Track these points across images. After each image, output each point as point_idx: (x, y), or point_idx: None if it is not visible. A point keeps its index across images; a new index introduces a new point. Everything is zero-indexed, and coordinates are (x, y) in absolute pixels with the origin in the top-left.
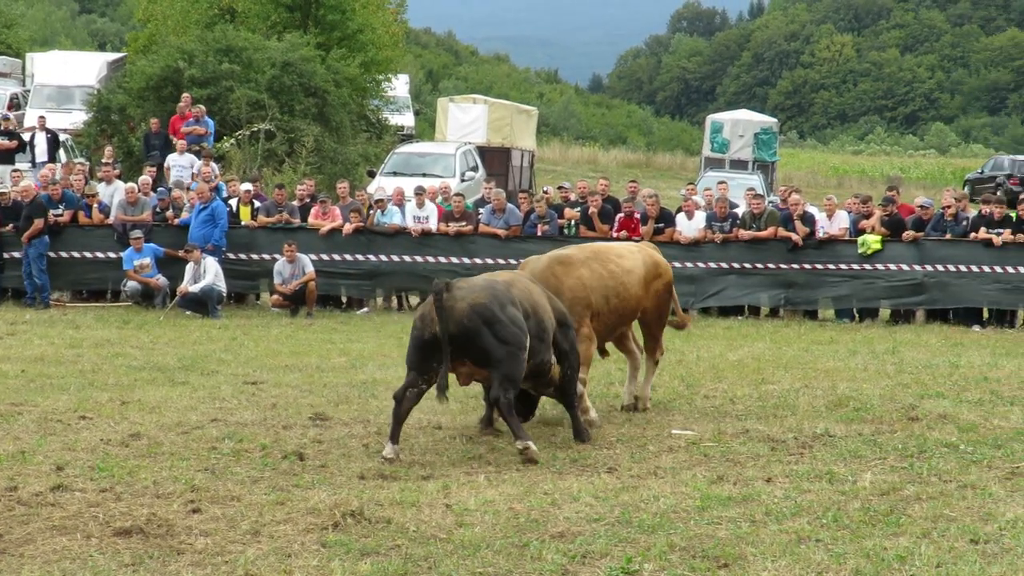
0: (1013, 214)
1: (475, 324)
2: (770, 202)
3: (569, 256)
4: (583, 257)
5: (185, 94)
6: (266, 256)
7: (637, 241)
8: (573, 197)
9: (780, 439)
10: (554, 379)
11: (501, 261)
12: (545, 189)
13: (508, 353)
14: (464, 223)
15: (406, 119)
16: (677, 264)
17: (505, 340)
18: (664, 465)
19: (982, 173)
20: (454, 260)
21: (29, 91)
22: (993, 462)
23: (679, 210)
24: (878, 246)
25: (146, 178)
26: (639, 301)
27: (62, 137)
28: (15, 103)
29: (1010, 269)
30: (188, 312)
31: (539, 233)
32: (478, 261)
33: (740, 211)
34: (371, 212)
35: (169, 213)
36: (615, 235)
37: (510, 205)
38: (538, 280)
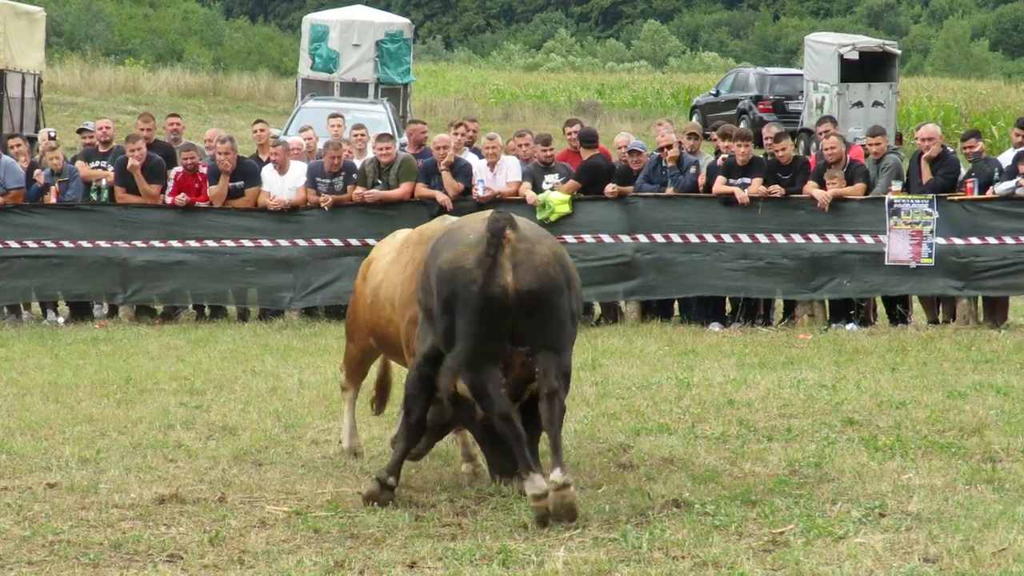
0: (763, 154)
1: (557, 283)
2: (403, 146)
3: None
4: None
5: None
6: None
7: (210, 207)
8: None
9: (428, 502)
10: None
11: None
12: (50, 134)
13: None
14: None
15: None
16: (265, 241)
17: (574, 316)
18: (255, 547)
19: (717, 95)
20: None
21: None
22: (744, 527)
23: (266, 160)
24: (566, 208)
25: None
26: None
27: None
28: None
29: (762, 238)
30: None
31: (53, 199)
32: None
33: (361, 160)
34: None
35: None
36: (170, 199)
37: (6, 158)
38: None
